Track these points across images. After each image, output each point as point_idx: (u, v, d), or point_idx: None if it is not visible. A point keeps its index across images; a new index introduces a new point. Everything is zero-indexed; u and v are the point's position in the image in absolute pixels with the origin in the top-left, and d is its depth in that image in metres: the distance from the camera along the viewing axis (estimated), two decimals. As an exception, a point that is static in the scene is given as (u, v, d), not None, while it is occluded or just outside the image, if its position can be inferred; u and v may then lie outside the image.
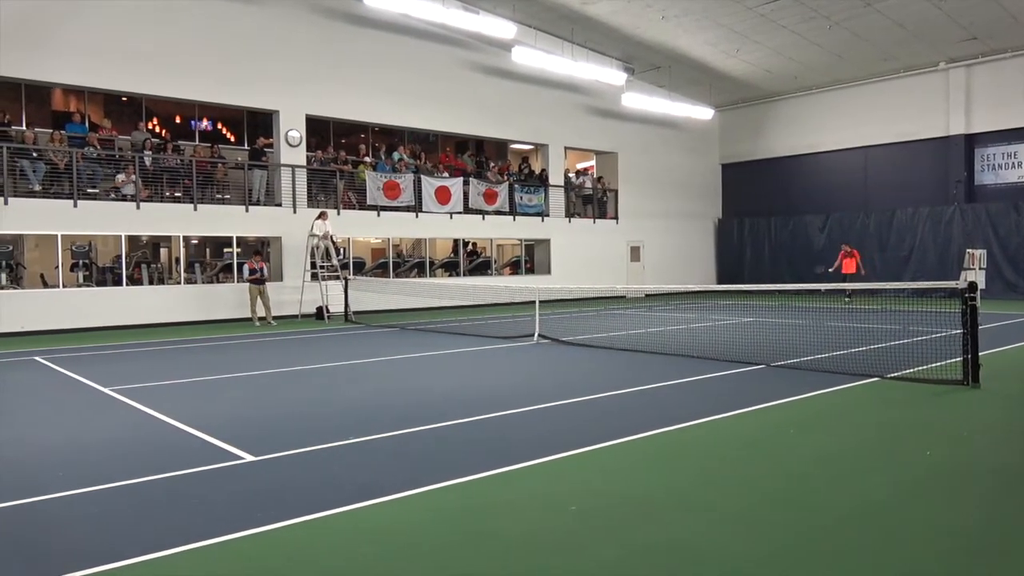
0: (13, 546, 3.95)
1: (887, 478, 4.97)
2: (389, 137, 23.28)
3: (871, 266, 25.22)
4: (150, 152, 17.28)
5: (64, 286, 16.07)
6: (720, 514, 4.29)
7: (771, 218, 28.59)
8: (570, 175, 26.50)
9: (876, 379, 8.63)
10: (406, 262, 22.41)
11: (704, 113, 27.19)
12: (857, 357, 10.19)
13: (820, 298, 22.31)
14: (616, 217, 26.75)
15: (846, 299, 21.75)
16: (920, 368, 9.07)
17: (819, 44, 22.69)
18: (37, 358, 11.62)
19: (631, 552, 3.76)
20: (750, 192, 29.74)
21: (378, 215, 20.46)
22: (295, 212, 18.93)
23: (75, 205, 15.84)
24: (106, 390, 8.61)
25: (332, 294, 18.27)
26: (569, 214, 25.37)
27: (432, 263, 22.51)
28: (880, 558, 3.65)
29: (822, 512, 4.32)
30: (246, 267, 16.93)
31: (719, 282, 29.03)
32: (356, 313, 18.16)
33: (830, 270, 22.34)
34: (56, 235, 15.90)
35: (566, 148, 25.86)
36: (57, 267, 16.16)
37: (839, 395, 7.85)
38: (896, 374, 8.81)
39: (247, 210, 18.24)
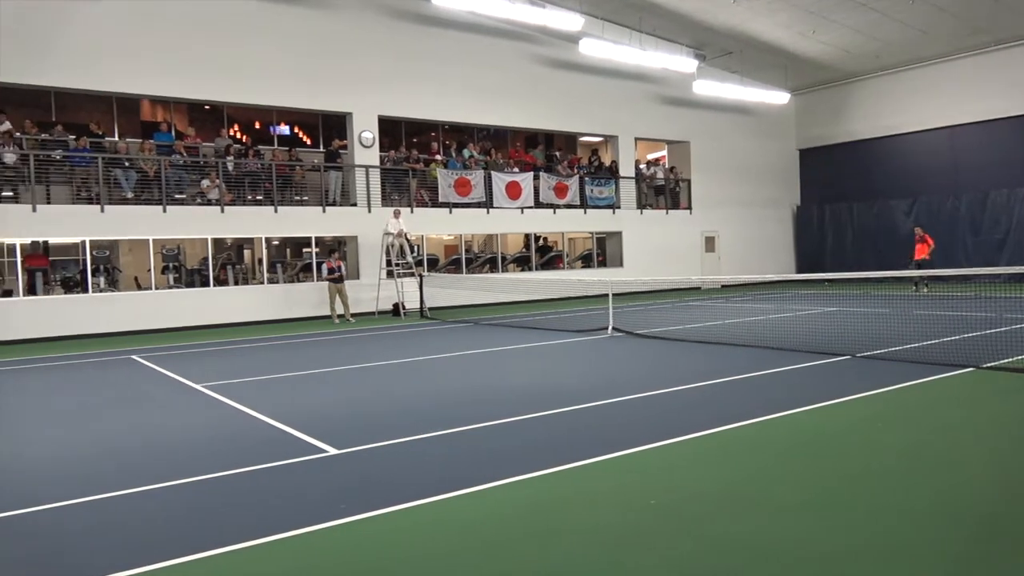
0: (119, 533, 4.19)
1: (981, 474, 4.73)
2: (459, 134, 23.51)
3: (963, 250, 24.05)
4: (232, 158, 17.97)
5: (156, 288, 16.90)
6: (801, 510, 4.18)
7: (853, 203, 27.53)
8: (641, 166, 26.18)
9: (971, 369, 8.22)
10: (478, 258, 22.60)
11: (779, 97, 26.40)
12: (949, 346, 9.73)
13: (902, 285, 21.31)
14: (689, 207, 26.28)
15: (913, 288, 20.63)
16: (1018, 357, 8.60)
17: (901, 20, 21.70)
18: (134, 357, 12.25)
19: (711, 548, 3.70)
20: (830, 177, 28.70)
21: (450, 212, 20.70)
22: (370, 211, 19.34)
23: (164, 210, 16.61)
24: (198, 386, 9.01)
25: (407, 291, 18.60)
26: (641, 205, 25.07)
27: (504, 258, 22.63)
28: (967, 563, 3.49)
29: (911, 511, 4.15)
30: (324, 266, 17.40)
31: (799, 271, 28.19)
32: (431, 309, 18.43)
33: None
34: (148, 239, 16.73)
35: (636, 139, 25.55)
36: (149, 270, 17.00)
37: (931, 386, 7.51)
38: (992, 364, 8.37)
39: (324, 211, 18.75)
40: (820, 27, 22.27)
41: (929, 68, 25.25)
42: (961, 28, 22.29)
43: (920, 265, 20.37)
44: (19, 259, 15.34)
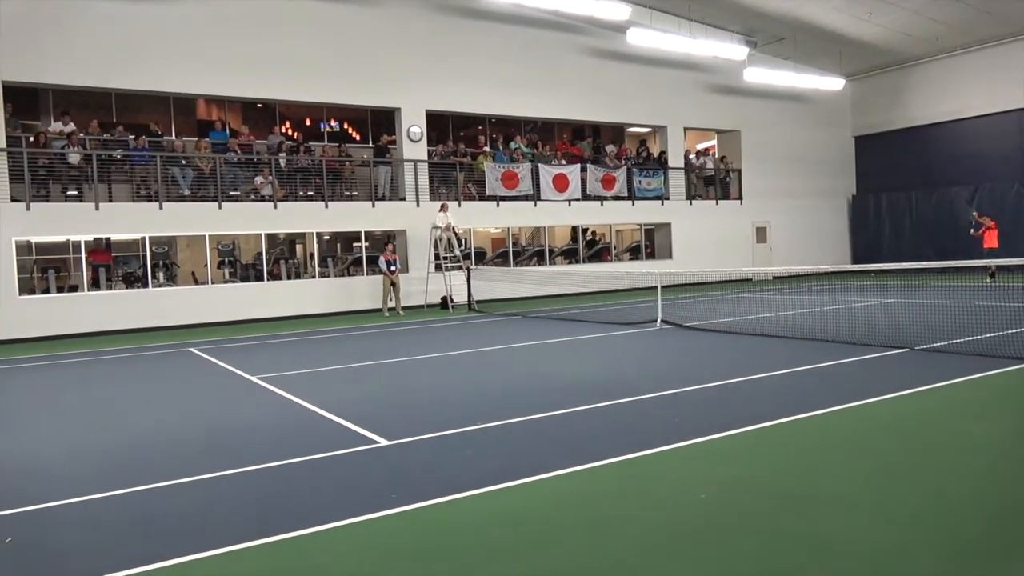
0: (172, 521, 4.32)
1: (1053, 470, 4.56)
2: (506, 127, 23.51)
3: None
4: (284, 154, 18.31)
5: (212, 282, 17.37)
6: (862, 507, 4.08)
7: (912, 192, 26.67)
8: (690, 156, 25.81)
9: (1037, 362, 7.93)
10: (525, 251, 22.61)
11: (834, 84, 25.71)
12: (1014, 339, 9.38)
13: (963, 276, 20.54)
14: (740, 197, 25.82)
15: (989, 279, 19.75)
16: (1090, 350, 8.25)
17: (963, 0, 20.89)
18: (192, 349, 12.62)
19: (768, 543, 3.65)
20: (888, 165, 27.85)
21: (497, 205, 20.75)
22: (418, 205, 19.52)
23: (220, 207, 17.04)
24: (253, 378, 9.24)
25: (456, 284, 18.73)
26: (690, 196, 24.73)
27: (551, 251, 22.59)
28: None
29: (976, 508, 4.02)
30: (382, 259, 17.61)
31: (854, 262, 27.47)
32: (479, 302, 18.53)
33: (973, 232, 20.48)
34: (204, 235, 17.20)
35: (685, 128, 25.19)
36: (206, 265, 17.47)
37: (995, 380, 7.26)
38: (1061, 357, 8.05)
39: (374, 205, 18.98)
40: (877, 10, 21.60)
41: (993, 49, 24.26)
42: (1028, 7, 21.38)
43: (990, 254, 19.52)
44: (84, 255, 15.92)
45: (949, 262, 11.13)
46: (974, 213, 21.09)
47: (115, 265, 17.01)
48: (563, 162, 22.37)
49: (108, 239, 16.93)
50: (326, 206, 18.30)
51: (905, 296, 16.13)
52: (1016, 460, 4.82)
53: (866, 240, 28.06)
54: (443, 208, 18.67)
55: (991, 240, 20.08)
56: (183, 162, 17.06)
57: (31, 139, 15.78)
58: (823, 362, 8.58)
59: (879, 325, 11.34)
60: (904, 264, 11.62)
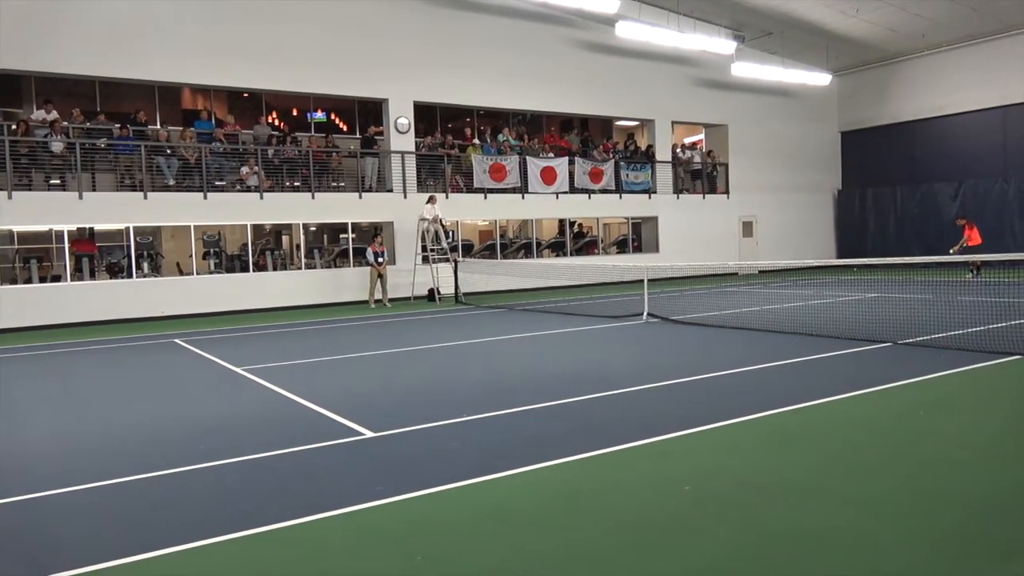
0: (157, 512, 4.30)
1: (1031, 463, 4.62)
2: (494, 119, 23.46)
3: (1011, 235, 23.36)
4: (271, 145, 18.18)
5: (197, 273, 17.25)
6: (843, 500, 4.12)
7: (897, 187, 26.87)
8: (677, 150, 25.87)
9: (1018, 357, 8.02)
10: (513, 243, 22.60)
11: (821, 79, 25.83)
12: (996, 334, 9.49)
13: (947, 272, 20.73)
14: (727, 192, 25.92)
15: (970, 274, 19.91)
16: (1069, 345, 8.35)
17: (950, -3, 21.04)
18: (176, 340, 12.53)
19: (751, 535, 3.68)
20: (873, 161, 28.03)
21: (485, 198, 20.71)
22: (405, 197, 19.45)
23: (205, 197, 16.90)
24: (238, 369, 9.19)
25: (443, 276, 18.70)
26: (677, 190, 24.80)
27: (539, 244, 22.60)
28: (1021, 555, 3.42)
29: (957, 501, 4.07)
30: (370, 251, 17.55)
31: (839, 256, 27.67)
32: (466, 294, 18.51)
33: (961, 246, 20.58)
34: (189, 226, 17.07)
35: (673, 122, 25.24)
36: (191, 256, 17.35)
37: (976, 374, 7.34)
38: (1041, 352, 8.15)
39: (360, 197, 18.90)
40: (864, 5, 21.69)
41: (980, 46, 24.43)
42: (1014, 3, 21.51)
43: (974, 251, 19.67)
44: (67, 245, 15.76)
45: (933, 257, 11.22)
46: (959, 220, 21.22)
47: (99, 255, 16.85)
48: (551, 155, 22.36)
49: (92, 229, 16.76)
50: (312, 197, 18.20)
51: (889, 291, 16.28)
52: (997, 453, 4.88)
53: (851, 235, 28.26)
54: (431, 200, 18.62)
55: (975, 238, 20.27)
56: (168, 152, 16.89)
57: (13, 127, 15.57)
58: (807, 356, 8.65)
59: (863, 319, 11.43)
60: (888, 259, 11.72)
